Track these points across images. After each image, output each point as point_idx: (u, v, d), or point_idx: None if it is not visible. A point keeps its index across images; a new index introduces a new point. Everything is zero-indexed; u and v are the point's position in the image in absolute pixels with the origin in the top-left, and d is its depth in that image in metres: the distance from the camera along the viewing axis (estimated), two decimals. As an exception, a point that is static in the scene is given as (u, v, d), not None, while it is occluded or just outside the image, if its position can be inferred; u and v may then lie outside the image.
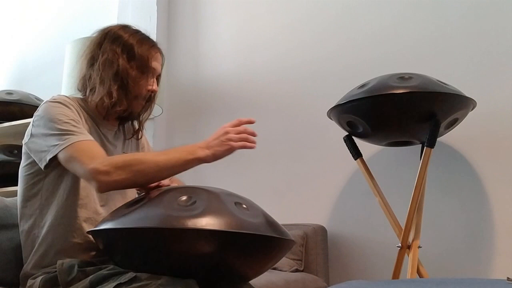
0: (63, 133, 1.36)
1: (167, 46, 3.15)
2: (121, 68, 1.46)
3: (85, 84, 1.52)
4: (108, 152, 1.52)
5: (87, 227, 1.41)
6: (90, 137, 1.40)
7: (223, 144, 1.36)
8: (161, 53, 1.58)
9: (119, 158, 1.39)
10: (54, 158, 1.36)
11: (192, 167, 1.37)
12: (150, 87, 1.52)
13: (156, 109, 2.71)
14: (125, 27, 1.56)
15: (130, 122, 1.63)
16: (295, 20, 2.84)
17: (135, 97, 1.50)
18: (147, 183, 1.40)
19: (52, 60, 3.41)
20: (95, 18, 3.33)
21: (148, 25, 3.05)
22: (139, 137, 1.66)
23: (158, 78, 1.58)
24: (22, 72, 3.60)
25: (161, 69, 1.59)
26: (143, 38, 1.54)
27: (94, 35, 1.56)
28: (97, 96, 1.48)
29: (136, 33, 1.55)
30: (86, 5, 3.45)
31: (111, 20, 3.18)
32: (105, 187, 1.32)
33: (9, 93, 3.08)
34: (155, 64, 1.53)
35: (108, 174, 1.29)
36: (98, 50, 1.50)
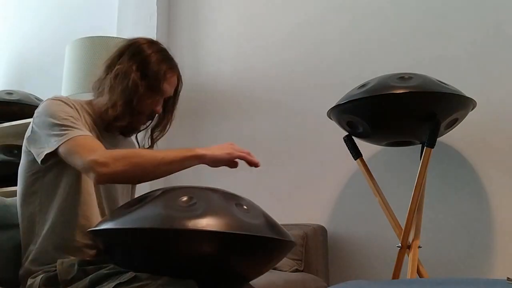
0: (62, 129, 1.37)
1: (167, 46, 3.13)
2: (132, 84, 1.47)
3: (97, 85, 1.54)
4: None
5: (88, 225, 1.42)
6: (89, 133, 1.41)
7: (223, 148, 1.40)
8: (179, 76, 1.59)
9: (118, 151, 1.42)
10: (52, 154, 1.37)
11: (190, 165, 1.38)
12: (155, 108, 1.54)
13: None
14: (152, 43, 1.57)
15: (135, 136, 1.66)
16: (295, 20, 2.84)
17: (138, 113, 1.52)
18: (145, 178, 1.41)
19: (52, 60, 3.40)
20: (95, 18, 3.33)
21: (148, 25, 3.05)
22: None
23: (171, 100, 1.59)
24: (22, 72, 3.60)
25: (176, 92, 1.59)
26: (163, 59, 1.55)
27: (122, 43, 1.57)
28: (103, 101, 1.50)
29: (160, 51, 1.56)
30: (86, 5, 3.44)
31: (111, 20, 3.18)
32: (103, 178, 1.33)
33: (9, 93, 3.08)
34: (165, 86, 1.53)
35: (107, 165, 1.30)
36: (117, 59, 1.52)
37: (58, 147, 1.36)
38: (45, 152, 1.37)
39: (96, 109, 1.54)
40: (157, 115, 1.59)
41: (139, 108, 1.50)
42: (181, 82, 1.61)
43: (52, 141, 1.37)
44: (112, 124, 1.52)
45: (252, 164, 1.44)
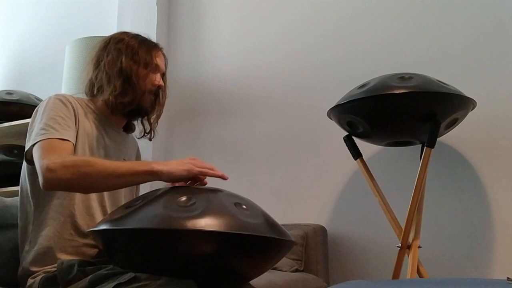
0: (43, 128, 1.38)
1: (167, 46, 3.15)
2: (125, 64, 1.52)
3: (92, 85, 1.56)
4: (109, 151, 1.54)
5: (88, 225, 1.42)
6: (67, 136, 1.40)
7: (183, 164, 1.34)
8: (163, 53, 1.63)
9: (72, 157, 1.36)
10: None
11: (144, 180, 1.35)
12: (156, 82, 1.56)
13: (156, 109, 2.70)
14: (126, 32, 1.63)
15: (140, 120, 1.65)
16: (295, 21, 2.84)
17: (143, 92, 1.54)
18: (94, 189, 1.38)
19: (52, 60, 3.41)
20: (95, 18, 3.33)
21: (148, 25, 3.05)
22: (151, 138, 1.68)
23: (163, 77, 1.62)
24: (22, 72, 3.60)
25: (165, 69, 1.63)
26: (143, 40, 1.60)
27: (99, 43, 1.61)
28: (105, 94, 1.52)
29: (136, 36, 1.61)
30: (86, 5, 3.45)
31: (111, 20, 3.18)
32: (48, 184, 1.30)
33: (9, 93, 3.08)
34: (158, 61, 1.58)
35: (54, 171, 1.28)
36: (103, 52, 1.56)
37: (33, 146, 1.37)
38: (25, 151, 1.40)
39: (99, 105, 1.55)
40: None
41: (139, 83, 1.53)
42: (166, 58, 1.65)
43: (31, 140, 1.39)
44: (117, 106, 1.52)
45: (218, 177, 1.37)
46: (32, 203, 1.45)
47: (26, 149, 1.40)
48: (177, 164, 1.33)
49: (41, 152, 1.34)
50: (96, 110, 1.55)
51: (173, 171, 1.31)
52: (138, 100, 1.54)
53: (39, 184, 1.44)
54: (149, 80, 1.55)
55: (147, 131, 1.66)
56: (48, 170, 1.29)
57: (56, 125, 1.40)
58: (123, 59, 1.52)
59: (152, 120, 1.64)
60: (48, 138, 1.36)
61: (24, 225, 1.47)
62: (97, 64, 1.56)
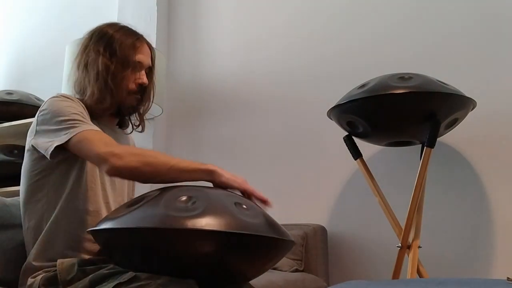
0: (72, 123, 1.38)
1: (167, 46, 3.15)
2: (102, 66, 1.49)
3: (76, 87, 1.56)
4: None
5: (91, 221, 1.42)
6: (100, 130, 1.42)
7: (236, 177, 1.38)
8: (149, 45, 1.60)
9: (134, 147, 1.43)
10: (62, 148, 1.37)
11: (200, 178, 1.36)
12: (139, 80, 1.54)
13: (156, 109, 2.70)
14: (112, 24, 1.60)
15: (128, 117, 1.64)
16: (295, 20, 2.84)
17: (123, 93, 1.52)
18: (154, 180, 1.40)
19: (52, 60, 3.41)
20: (95, 18, 3.31)
21: (148, 25, 3.05)
22: (142, 130, 1.67)
23: (151, 70, 1.60)
24: (22, 72, 3.60)
25: (152, 61, 1.60)
26: (127, 32, 1.57)
27: (84, 37, 1.59)
28: (86, 97, 1.52)
29: (122, 28, 1.58)
30: (86, 5, 3.45)
31: (111, 20, 3.17)
32: (115, 170, 1.33)
33: (9, 93, 3.08)
34: (140, 57, 1.54)
35: (121, 158, 1.32)
36: (83, 53, 1.55)
37: (70, 139, 1.36)
38: (55, 145, 1.36)
39: (86, 105, 1.53)
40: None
41: (117, 86, 1.50)
42: (153, 49, 1.61)
43: (62, 135, 1.37)
44: (97, 111, 1.52)
45: (262, 200, 1.40)
46: (45, 201, 1.44)
47: (55, 144, 1.36)
48: (232, 175, 1.38)
49: (94, 141, 1.35)
50: (88, 109, 1.53)
51: (228, 177, 1.36)
52: (119, 102, 1.52)
53: (48, 181, 1.44)
54: (129, 80, 1.52)
55: (136, 124, 1.65)
56: (115, 156, 1.32)
57: (83, 119, 1.41)
58: (100, 61, 1.50)
59: (142, 114, 1.63)
60: (89, 129, 1.38)
61: (37, 224, 1.45)
62: (78, 65, 1.55)
